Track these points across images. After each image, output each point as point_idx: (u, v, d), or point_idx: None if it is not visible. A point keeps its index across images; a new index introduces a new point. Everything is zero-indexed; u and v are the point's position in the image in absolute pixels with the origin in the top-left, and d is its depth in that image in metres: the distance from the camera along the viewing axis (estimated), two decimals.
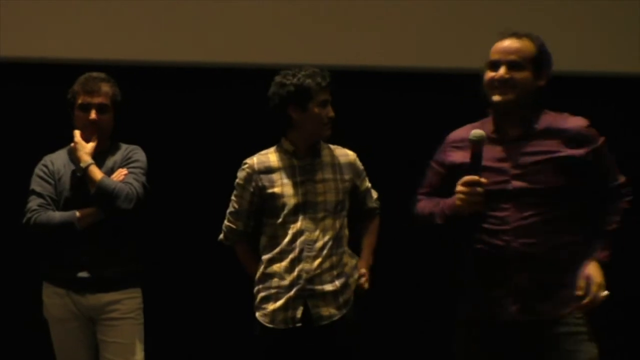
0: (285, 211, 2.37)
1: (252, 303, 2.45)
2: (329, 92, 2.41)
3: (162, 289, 2.99)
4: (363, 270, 2.46)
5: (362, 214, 2.57)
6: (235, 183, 2.44)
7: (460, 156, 2.01)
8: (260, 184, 2.41)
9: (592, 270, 1.86)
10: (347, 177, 2.45)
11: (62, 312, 2.50)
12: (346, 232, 2.45)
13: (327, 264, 2.35)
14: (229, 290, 3.04)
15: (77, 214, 2.40)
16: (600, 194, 1.91)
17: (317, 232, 2.37)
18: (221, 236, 2.50)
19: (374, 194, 2.58)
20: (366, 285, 2.49)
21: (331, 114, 2.39)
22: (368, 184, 2.56)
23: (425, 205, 2.09)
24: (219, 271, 3.20)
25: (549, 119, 1.94)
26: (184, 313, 3.40)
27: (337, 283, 2.37)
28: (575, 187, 1.87)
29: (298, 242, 2.36)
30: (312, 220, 2.38)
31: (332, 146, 2.48)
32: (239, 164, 2.49)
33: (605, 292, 1.85)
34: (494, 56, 1.94)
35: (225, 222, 2.47)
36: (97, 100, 2.51)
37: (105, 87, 2.53)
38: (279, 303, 2.37)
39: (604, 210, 1.91)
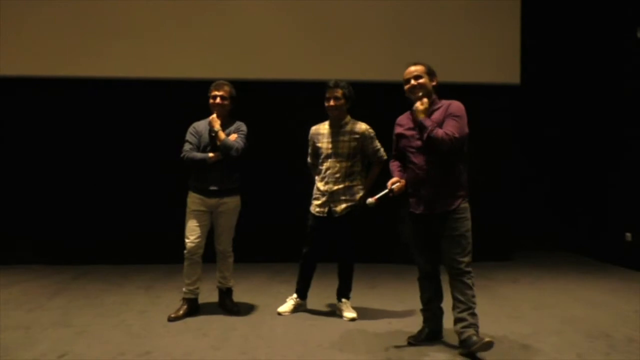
0: (322, 156, 3.65)
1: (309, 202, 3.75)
2: (330, 93, 3.56)
3: (250, 196, 3.98)
4: (360, 187, 3.61)
5: (370, 162, 3.74)
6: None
7: (400, 129, 3.05)
8: (314, 140, 3.70)
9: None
10: (355, 139, 3.57)
11: (197, 206, 3.64)
12: (357, 169, 3.56)
13: (341, 186, 3.57)
14: (295, 197, 4.32)
15: (210, 155, 3.59)
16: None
17: (336, 169, 3.58)
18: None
19: (380, 153, 3.64)
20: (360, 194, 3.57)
21: (329, 104, 3.56)
22: (377, 146, 3.64)
23: (392, 166, 3.14)
24: (289, 186, 4.78)
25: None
26: (264, 209, 5.01)
27: (347, 196, 3.57)
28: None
29: (327, 173, 3.61)
30: (334, 162, 3.59)
31: (354, 121, 3.65)
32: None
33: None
34: (406, 76, 3.03)
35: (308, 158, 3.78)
36: (220, 93, 3.65)
37: (226, 87, 3.68)
38: (318, 202, 3.66)
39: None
